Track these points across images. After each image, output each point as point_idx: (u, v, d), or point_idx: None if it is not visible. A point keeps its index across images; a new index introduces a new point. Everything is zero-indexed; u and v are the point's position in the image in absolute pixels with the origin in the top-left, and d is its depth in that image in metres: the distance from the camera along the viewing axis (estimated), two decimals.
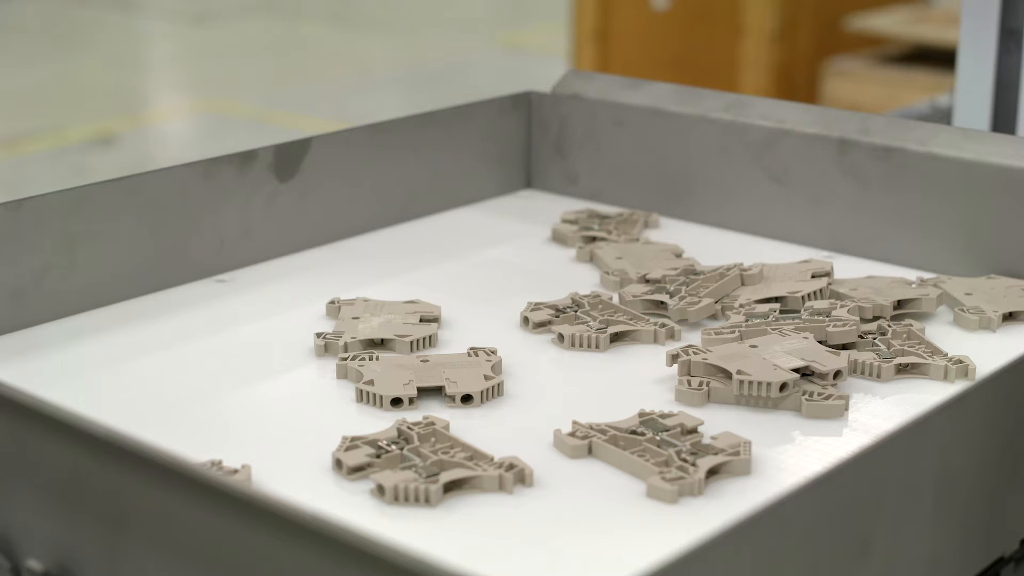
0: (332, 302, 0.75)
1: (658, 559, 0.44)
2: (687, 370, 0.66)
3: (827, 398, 0.63)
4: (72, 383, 0.67)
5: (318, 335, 0.71)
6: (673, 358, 0.67)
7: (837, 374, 0.65)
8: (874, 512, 0.53)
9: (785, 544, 0.49)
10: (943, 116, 1.17)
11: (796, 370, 0.65)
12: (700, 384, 0.65)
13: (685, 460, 0.57)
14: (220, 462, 0.58)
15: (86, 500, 0.52)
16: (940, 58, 2.61)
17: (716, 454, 0.58)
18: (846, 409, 0.64)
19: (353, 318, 0.73)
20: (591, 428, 0.60)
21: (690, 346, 0.68)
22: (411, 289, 0.78)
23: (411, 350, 0.70)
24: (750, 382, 0.64)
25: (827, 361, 0.66)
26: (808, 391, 0.64)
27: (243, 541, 0.47)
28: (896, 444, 0.53)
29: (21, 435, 0.53)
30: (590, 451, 0.60)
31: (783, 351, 0.66)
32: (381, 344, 0.71)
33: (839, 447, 0.61)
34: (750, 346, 0.67)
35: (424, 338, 0.71)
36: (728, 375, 0.64)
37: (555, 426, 0.61)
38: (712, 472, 0.57)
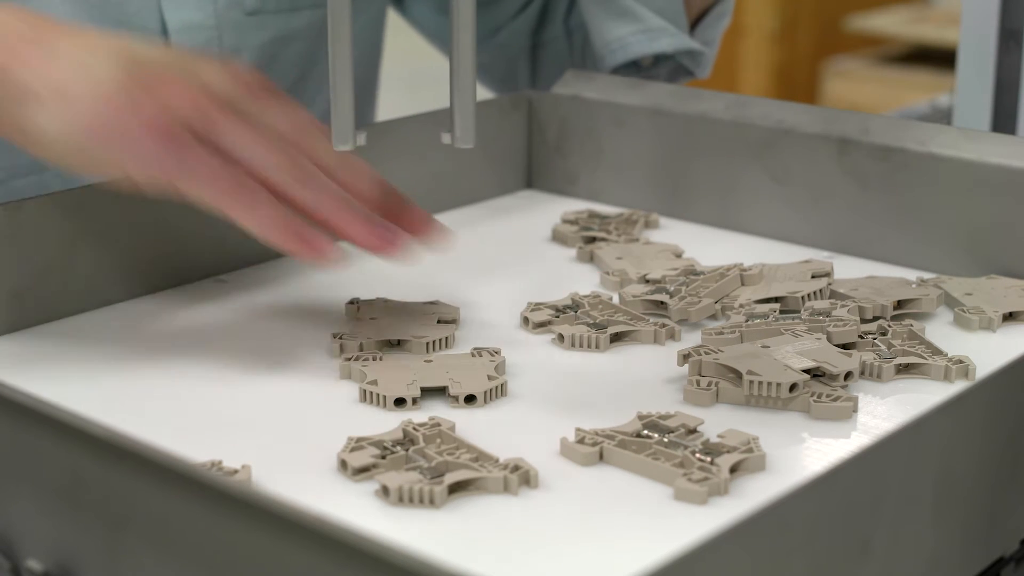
0: (351, 302, 0.75)
1: (659, 559, 0.44)
2: (698, 370, 0.66)
3: (835, 399, 0.63)
4: (72, 383, 0.67)
5: (335, 335, 0.71)
6: (684, 358, 0.67)
7: (848, 375, 0.65)
8: (874, 512, 0.53)
9: (785, 544, 0.49)
10: (943, 116, 1.17)
11: (807, 371, 0.65)
12: (709, 384, 0.65)
13: (701, 460, 0.57)
14: (220, 462, 0.58)
15: (86, 500, 0.52)
16: (940, 58, 2.61)
17: (730, 452, 0.58)
18: (854, 411, 0.63)
19: (371, 319, 0.73)
20: (597, 434, 0.60)
21: (700, 346, 0.68)
22: (409, 290, 0.78)
23: (427, 351, 0.70)
24: (759, 382, 0.63)
25: (839, 362, 0.65)
26: (816, 392, 0.64)
27: (243, 542, 0.47)
28: (896, 444, 0.53)
29: (21, 435, 0.53)
30: (601, 457, 0.59)
31: (795, 352, 0.66)
32: (398, 345, 0.71)
33: (842, 448, 0.61)
34: (762, 346, 0.67)
35: (441, 339, 0.71)
36: (738, 375, 0.64)
37: (560, 427, 0.61)
38: (730, 470, 0.57)
